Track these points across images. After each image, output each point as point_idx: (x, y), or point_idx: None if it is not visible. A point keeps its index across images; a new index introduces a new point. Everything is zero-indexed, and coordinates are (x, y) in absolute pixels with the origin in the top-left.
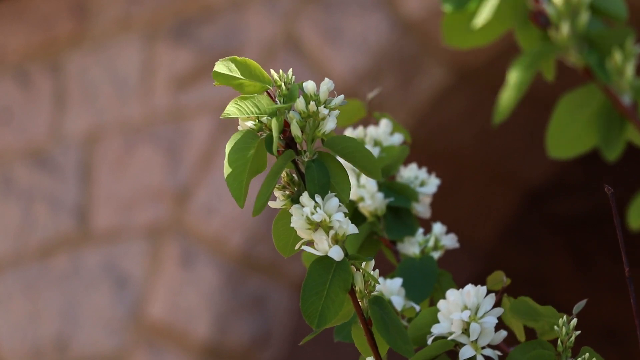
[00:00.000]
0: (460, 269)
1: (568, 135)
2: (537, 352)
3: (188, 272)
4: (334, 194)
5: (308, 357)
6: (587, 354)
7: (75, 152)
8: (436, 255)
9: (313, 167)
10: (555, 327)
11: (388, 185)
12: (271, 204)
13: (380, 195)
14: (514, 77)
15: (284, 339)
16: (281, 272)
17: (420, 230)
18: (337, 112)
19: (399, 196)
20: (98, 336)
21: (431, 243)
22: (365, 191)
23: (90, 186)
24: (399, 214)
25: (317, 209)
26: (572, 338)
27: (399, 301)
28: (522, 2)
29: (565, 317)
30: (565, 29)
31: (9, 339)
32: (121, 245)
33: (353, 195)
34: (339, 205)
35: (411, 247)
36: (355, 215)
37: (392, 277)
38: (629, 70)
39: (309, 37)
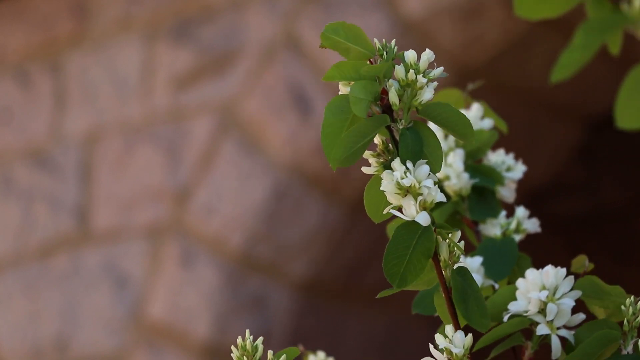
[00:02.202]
0: None
1: (636, 105)
2: (603, 332)
3: (188, 272)
4: (425, 161)
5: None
6: None
7: (75, 152)
8: (517, 238)
9: (407, 134)
10: (622, 307)
11: (474, 167)
12: (364, 169)
13: (466, 175)
14: (579, 39)
15: (284, 339)
16: (281, 272)
17: (503, 213)
18: (435, 83)
19: (484, 178)
20: (98, 336)
21: (513, 226)
22: (452, 170)
23: (90, 186)
24: (483, 196)
25: (408, 174)
26: (639, 319)
27: (477, 279)
28: None
29: (632, 297)
30: (638, 2)
31: (9, 339)
32: (121, 245)
33: (439, 174)
34: (429, 173)
35: (493, 228)
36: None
37: (472, 256)
38: None
39: (309, 37)
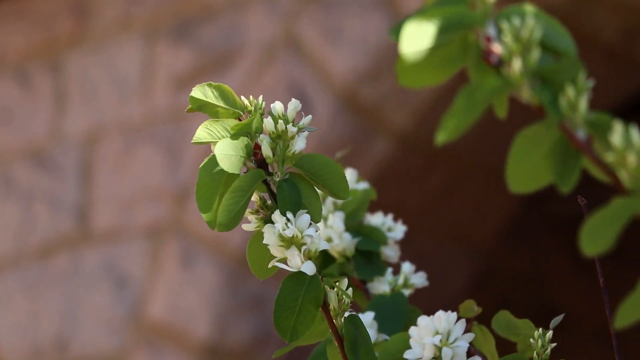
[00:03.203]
0: (460, 269)
1: (525, 170)
2: None
3: (188, 272)
4: (306, 210)
5: (307, 357)
6: None
7: (75, 152)
8: (406, 292)
9: (284, 186)
10: (531, 339)
11: (356, 228)
12: (244, 226)
13: (347, 235)
14: (461, 103)
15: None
16: (281, 272)
17: (389, 270)
18: (306, 132)
19: (367, 239)
20: (98, 336)
21: (401, 281)
22: (333, 231)
23: (90, 186)
24: (368, 257)
25: (289, 224)
26: (548, 351)
27: (371, 334)
28: (473, 42)
29: (541, 329)
30: (517, 66)
31: (9, 338)
32: (121, 245)
33: (321, 236)
34: (311, 223)
35: (381, 285)
36: (324, 256)
37: (363, 312)
38: (582, 104)
39: (309, 37)
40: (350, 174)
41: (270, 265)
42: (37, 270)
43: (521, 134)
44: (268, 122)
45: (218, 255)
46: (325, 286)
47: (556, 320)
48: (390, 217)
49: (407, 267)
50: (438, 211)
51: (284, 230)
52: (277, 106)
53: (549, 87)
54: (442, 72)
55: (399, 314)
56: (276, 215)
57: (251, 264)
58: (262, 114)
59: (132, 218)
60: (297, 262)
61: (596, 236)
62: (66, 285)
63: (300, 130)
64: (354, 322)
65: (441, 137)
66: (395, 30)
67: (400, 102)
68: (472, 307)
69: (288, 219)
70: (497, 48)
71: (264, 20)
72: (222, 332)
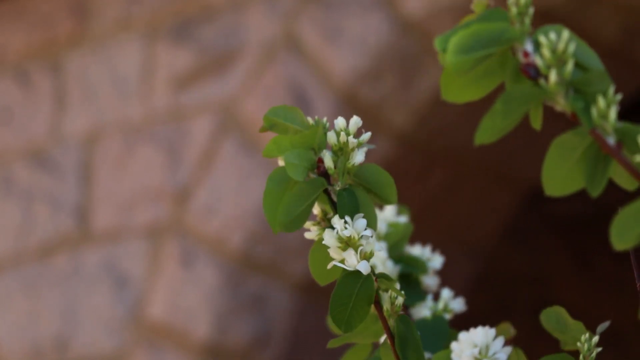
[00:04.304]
0: (460, 269)
1: (559, 175)
2: None
3: (188, 272)
4: (362, 214)
5: (308, 357)
6: None
7: (75, 152)
8: (446, 317)
9: (344, 195)
10: (578, 343)
11: (397, 258)
12: (307, 234)
13: (390, 263)
14: (499, 106)
15: (284, 339)
16: (281, 272)
17: (430, 296)
18: (366, 147)
19: (409, 267)
20: (98, 336)
21: (441, 306)
22: (377, 259)
23: (90, 186)
24: (410, 283)
25: (347, 226)
26: (594, 354)
27: None
28: (512, 57)
29: (588, 333)
30: (553, 76)
31: (9, 338)
32: (121, 245)
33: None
34: (367, 227)
35: (423, 310)
36: None
37: None
38: (612, 114)
39: (309, 37)
40: (390, 209)
41: (329, 267)
42: (37, 270)
43: (556, 141)
44: (331, 135)
45: (218, 255)
46: (379, 289)
47: (603, 327)
48: (428, 248)
49: (446, 293)
50: (438, 211)
51: (342, 230)
52: (340, 121)
53: (582, 97)
54: (482, 87)
55: (440, 335)
56: (335, 220)
57: (313, 271)
58: (325, 131)
59: (132, 218)
60: (354, 261)
61: (625, 232)
62: (66, 285)
63: (360, 144)
64: (405, 323)
65: (479, 138)
66: (441, 42)
67: (400, 102)
68: (508, 329)
69: (346, 222)
70: (535, 61)
71: (264, 20)
72: (222, 332)
